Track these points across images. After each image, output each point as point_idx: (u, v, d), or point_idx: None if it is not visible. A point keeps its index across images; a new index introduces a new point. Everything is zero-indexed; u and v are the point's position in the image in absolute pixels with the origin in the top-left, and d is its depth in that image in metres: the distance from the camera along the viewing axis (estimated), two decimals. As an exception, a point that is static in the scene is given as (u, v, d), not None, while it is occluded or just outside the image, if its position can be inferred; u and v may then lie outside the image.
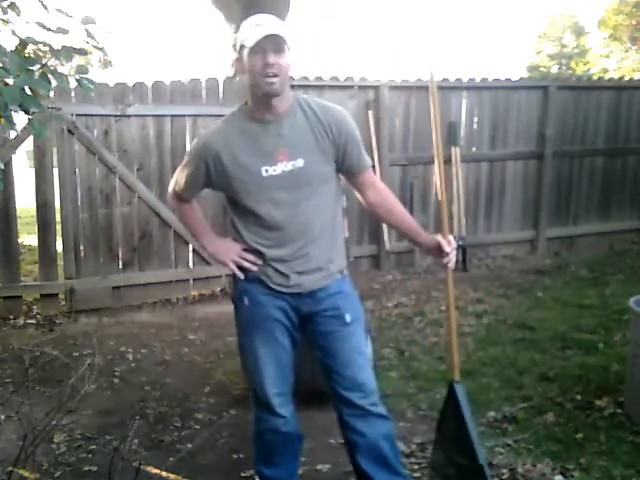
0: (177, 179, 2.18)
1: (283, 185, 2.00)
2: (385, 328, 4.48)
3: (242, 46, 1.93)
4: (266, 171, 1.99)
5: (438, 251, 2.09)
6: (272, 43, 1.88)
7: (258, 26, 1.90)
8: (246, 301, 2.11)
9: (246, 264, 2.08)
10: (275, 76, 1.89)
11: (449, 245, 2.07)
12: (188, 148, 5.31)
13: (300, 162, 1.99)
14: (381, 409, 2.16)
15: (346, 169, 2.13)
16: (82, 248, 5.09)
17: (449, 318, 2.21)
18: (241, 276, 2.10)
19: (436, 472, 2.38)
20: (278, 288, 2.07)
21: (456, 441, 2.20)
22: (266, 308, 2.08)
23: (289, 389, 2.18)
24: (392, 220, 2.22)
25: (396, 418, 3.13)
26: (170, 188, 2.25)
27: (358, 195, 2.24)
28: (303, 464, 2.64)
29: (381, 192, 2.19)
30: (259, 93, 1.95)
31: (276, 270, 2.06)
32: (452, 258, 2.08)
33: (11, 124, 1.87)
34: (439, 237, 2.09)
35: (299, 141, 2.00)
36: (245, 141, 2.01)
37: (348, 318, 2.10)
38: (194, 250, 5.42)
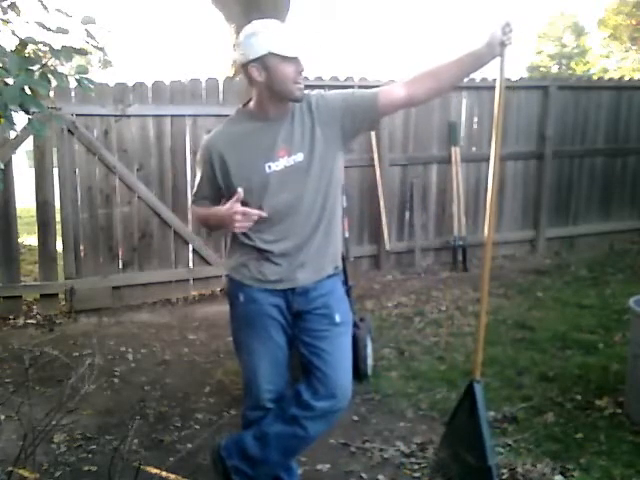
0: (195, 190, 2.20)
1: (285, 180, 2.02)
2: (385, 328, 4.48)
3: (270, 53, 1.93)
4: (269, 167, 2.02)
5: (499, 42, 2.00)
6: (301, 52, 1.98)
7: (286, 34, 1.96)
8: (241, 298, 2.12)
9: (249, 222, 1.96)
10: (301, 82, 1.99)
11: (501, 26, 1.99)
12: (188, 148, 5.32)
13: (300, 156, 2.03)
14: (342, 406, 2.09)
15: (370, 109, 2.06)
16: (82, 248, 5.09)
17: (480, 314, 2.20)
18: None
19: (437, 469, 2.38)
20: (271, 286, 2.08)
21: (467, 439, 2.20)
22: (262, 305, 2.09)
23: (283, 387, 2.19)
24: (446, 76, 2.04)
25: (396, 418, 3.14)
26: (190, 202, 2.27)
27: (409, 103, 2.10)
28: (303, 464, 2.65)
29: (408, 84, 2.06)
30: (287, 98, 2.00)
31: (275, 264, 2.07)
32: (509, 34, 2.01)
33: (11, 124, 1.87)
34: (489, 31, 2.00)
35: (298, 137, 2.03)
36: (247, 140, 2.05)
37: (337, 318, 2.10)
38: (194, 250, 5.42)
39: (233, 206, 1.93)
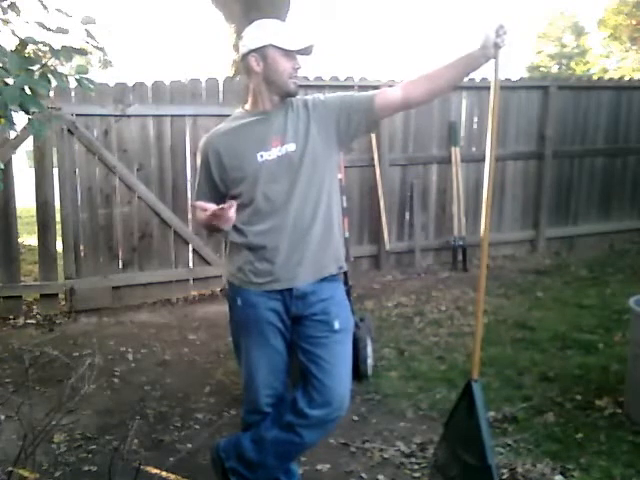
0: (196, 189, 2.21)
1: (277, 170, 2.04)
2: (385, 328, 4.48)
3: (270, 45, 2.00)
4: (261, 156, 2.04)
5: (493, 44, 1.98)
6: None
7: (289, 30, 2.02)
8: (239, 301, 2.12)
9: (230, 214, 1.92)
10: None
11: (495, 28, 1.97)
12: (188, 148, 5.32)
13: (292, 146, 2.04)
14: (338, 414, 2.08)
15: (367, 111, 2.08)
16: (82, 248, 5.09)
17: (477, 314, 2.19)
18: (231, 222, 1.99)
19: (437, 469, 2.38)
20: (269, 287, 2.07)
21: (465, 439, 2.19)
22: (259, 310, 2.08)
23: (282, 391, 2.18)
24: (443, 78, 2.05)
25: (396, 418, 3.14)
26: (190, 202, 2.26)
27: (405, 104, 2.11)
28: (303, 464, 2.65)
29: (404, 86, 2.08)
30: (282, 92, 2.05)
31: (268, 261, 2.05)
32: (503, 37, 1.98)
33: (11, 124, 1.87)
34: (483, 33, 1.98)
35: (291, 128, 2.06)
36: (241, 132, 2.08)
37: (337, 325, 2.08)
38: (194, 250, 5.42)
39: (208, 210, 1.94)
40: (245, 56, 2.06)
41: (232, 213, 1.91)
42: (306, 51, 2.04)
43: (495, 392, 3.32)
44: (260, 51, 2.02)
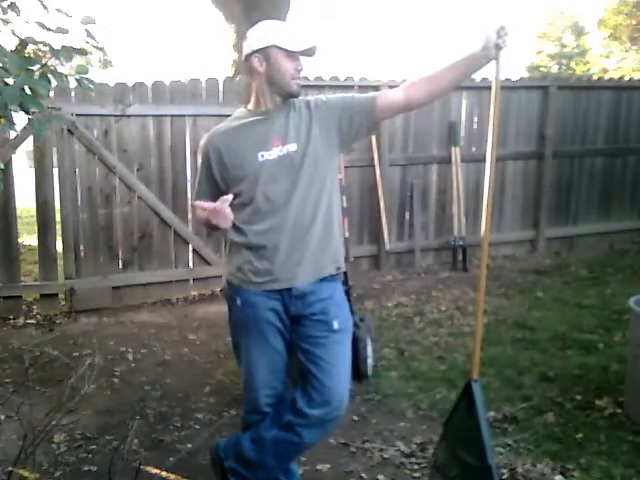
0: (197, 187, 2.22)
1: (278, 169, 2.04)
2: (385, 328, 4.48)
3: (273, 45, 2.02)
4: (262, 156, 2.05)
5: (494, 45, 1.98)
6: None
7: (292, 31, 2.04)
8: (238, 301, 2.12)
9: (226, 210, 1.98)
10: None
11: (496, 29, 1.96)
12: (188, 148, 5.33)
13: (293, 146, 2.05)
14: (337, 414, 2.08)
15: (368, 112, 2.09)
16: (82, 248, 5.09)
17: (477, 314, 2.20)
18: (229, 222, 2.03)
19: (437, 469, 2.38)
20: (268, 287, 2.07)
21: (465, 439, 2.19)
22: (258, 310, 2.08)
23: (282, 391, 2.18)
24: (444, 80, 2.05)
25: (396, 418, 3.14)
26: (190, 200, 2.27)
27: (407, 106, 2.12)
28: (303, 464, 2.65)
29: (405, 87, 2.08)
30: (284, 92, 2.07)
31: (268, 260, 2.06)
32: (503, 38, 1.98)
33: (11, 124, 1.87)
34: (484, 34, 1.98)
35: (293, 129, 2.06)
36: (243, 132, 2.09)
37: (336, 325, 2.08)
38: (194, 250, 5.42)
39: (206, 208, 1.98)
40: (248, 56, 2.07)
41: (227, 208, 1.95)
42: (309, 52, 2.04)
43: (495, 392, 3.32)
44: (263, 52, 2.03)
